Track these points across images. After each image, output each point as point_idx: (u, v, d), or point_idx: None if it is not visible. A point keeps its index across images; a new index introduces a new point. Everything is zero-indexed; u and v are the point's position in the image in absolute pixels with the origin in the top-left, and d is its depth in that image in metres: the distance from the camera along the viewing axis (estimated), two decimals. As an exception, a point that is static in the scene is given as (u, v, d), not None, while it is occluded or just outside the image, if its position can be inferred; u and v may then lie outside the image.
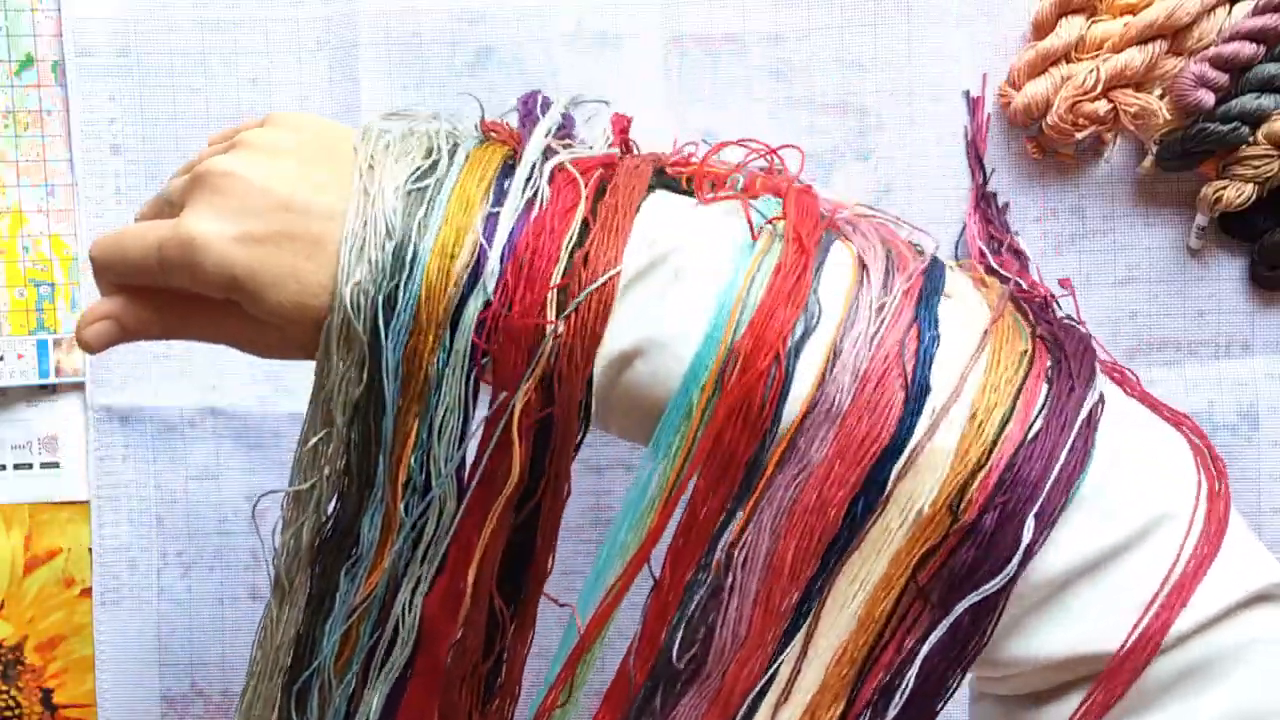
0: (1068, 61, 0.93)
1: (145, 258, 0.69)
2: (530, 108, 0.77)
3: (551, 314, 0.64)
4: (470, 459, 0.69)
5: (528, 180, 0.68)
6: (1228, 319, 0.96)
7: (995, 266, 0.93)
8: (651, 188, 0.70)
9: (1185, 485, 0.63)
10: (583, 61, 0.98)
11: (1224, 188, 0.92)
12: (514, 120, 0.76)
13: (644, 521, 0.67)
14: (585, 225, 0.66)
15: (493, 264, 0.65)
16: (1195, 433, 0.67)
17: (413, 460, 0.68)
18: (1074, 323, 0.71)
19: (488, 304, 0.65)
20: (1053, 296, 0.76)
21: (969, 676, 0.65)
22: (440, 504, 0.69)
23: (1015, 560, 0.60)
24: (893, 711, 0.64)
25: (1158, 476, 0.64)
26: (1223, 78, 0.90)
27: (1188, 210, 0.96)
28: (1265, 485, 0.96)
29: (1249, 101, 0.90)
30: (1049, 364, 0.65)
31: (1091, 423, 0.63)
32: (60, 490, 1.02)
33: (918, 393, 0.62)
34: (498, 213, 0.66)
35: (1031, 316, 0.69)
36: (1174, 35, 0.91)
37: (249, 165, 0.67)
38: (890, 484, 0.62)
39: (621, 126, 0.78)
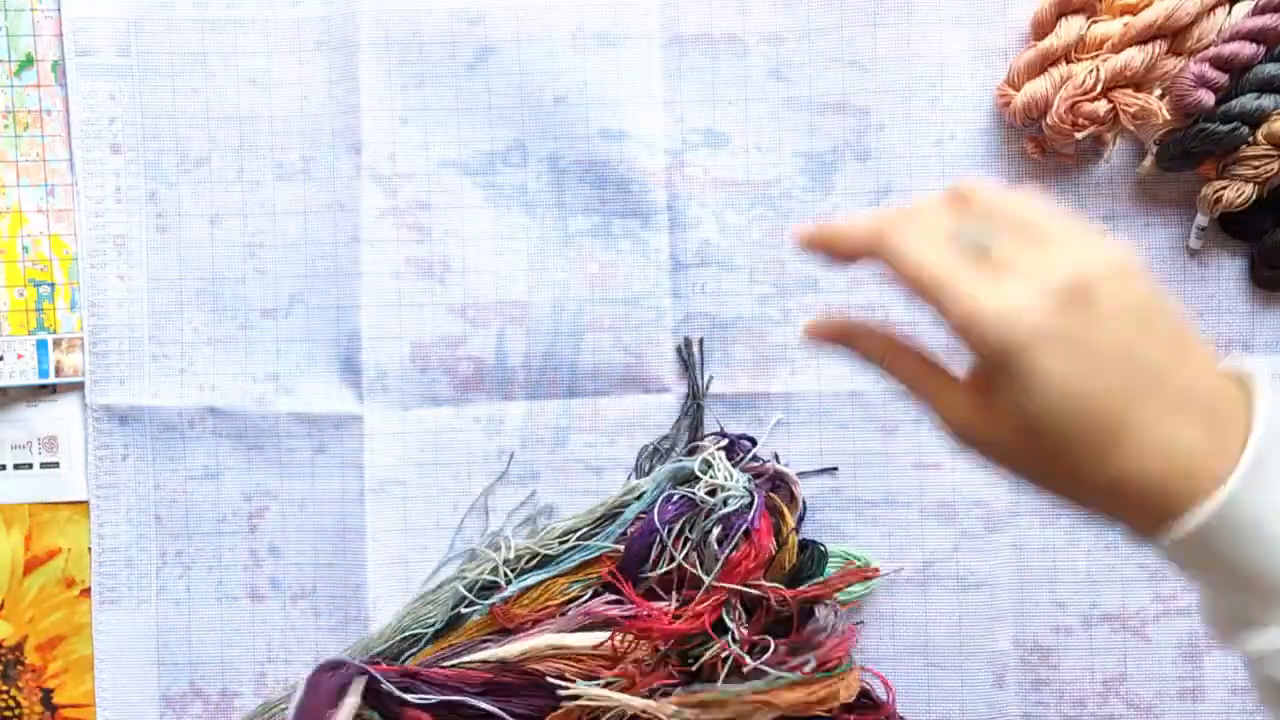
0: (1067, 61, 0.93)
1: (931, 286, 0.60)
2: None
3: None
4: None
5: None
6: (1228, 319, 0.96)
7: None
8: None
9: None
10: (583, 61, 0.98)
11: (1224, 188, 0.92)
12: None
13: None
14: None
15: None
16: None
17: None
18: None
19: None
20: None
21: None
22: None
23: None
24: None
25: None
26: (1223, 78, 0.90)
27: (1188, 210, 0.96)
28: (1265, 485, 0.96)
29: (1249, 101, 0.90)
30: None
31: None
32: (60, 490, 1.02)
33: None
34: None
35: None
36: (1174, 35, 0.91)
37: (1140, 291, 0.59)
38: None
39: None
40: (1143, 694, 0.98)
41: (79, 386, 1.01)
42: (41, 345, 1.00)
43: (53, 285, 1.00)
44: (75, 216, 1.00)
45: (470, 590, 0.98)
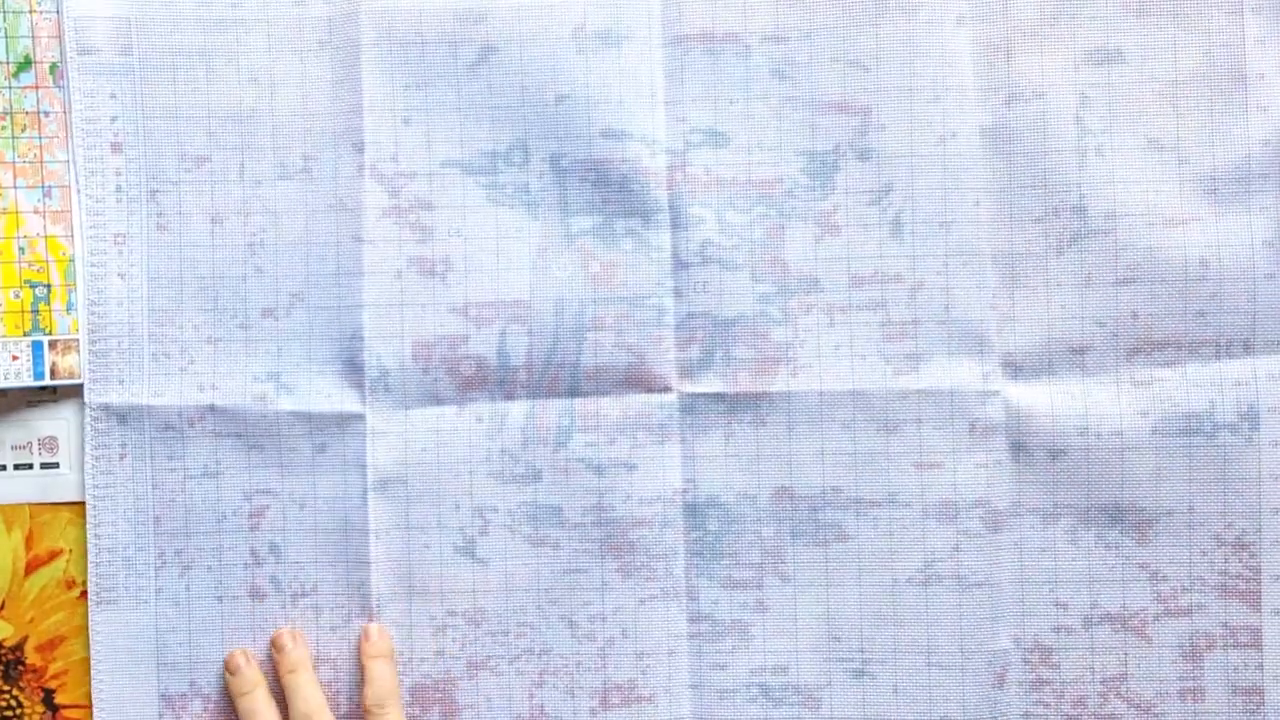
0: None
1: None
2: None
3: None
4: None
5: None
6: (1228, 319, 0.96)
7: None
8: None
9: None
10: (585, 61, 0.98)
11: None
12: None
13: None
14: None
15: None
16: None
17: None
18: None
19: None
20: None
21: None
22: None
23: None
24: None
25: None
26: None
27: (1188, 210, 0.96)
28: (1266, 485, 0.96)
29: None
30: None
31: None
32: (61, 491, 1.02)
33: None
34: None
35: None
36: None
37: None
38: None
39: None
40: (1143, 694, 0.98)
41: (79, 387, 1.01)
42: (37, 346, 1.00)
43: (49, 287, 1.00)
44: (72, 218, 1.00)
45: None
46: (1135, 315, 0.96)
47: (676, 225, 0.98)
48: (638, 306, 0.99)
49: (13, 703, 1.02)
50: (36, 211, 1.00)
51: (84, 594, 1.02)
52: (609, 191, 0.99)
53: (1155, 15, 0.96)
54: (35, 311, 1.00)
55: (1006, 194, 0.97)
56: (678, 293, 0.99)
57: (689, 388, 0.99)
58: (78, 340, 1.00)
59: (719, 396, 0.99)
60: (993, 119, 0.97)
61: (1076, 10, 0.96)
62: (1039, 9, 0.96)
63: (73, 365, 1.00)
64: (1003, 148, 0.97)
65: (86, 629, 1.02)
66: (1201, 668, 0.98)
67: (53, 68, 1.00)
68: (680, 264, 0.98)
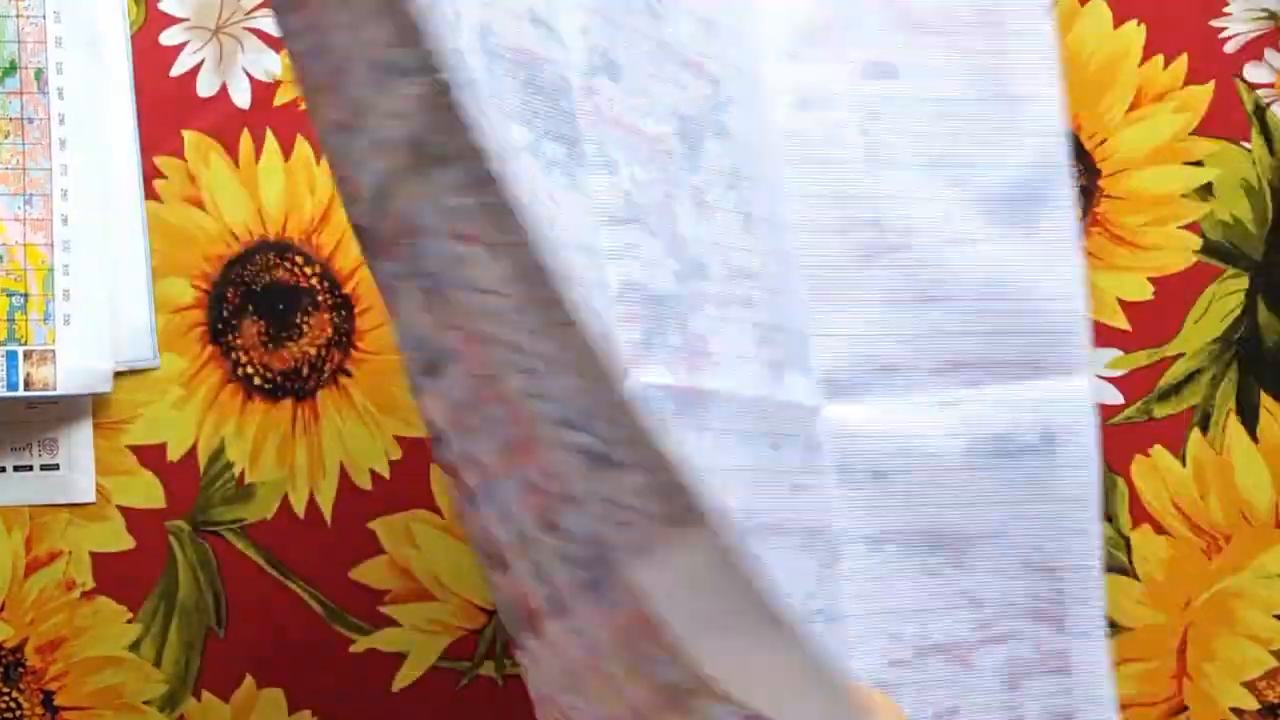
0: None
1: None
2: None
3: None
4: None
5: None
6: (1018, 340, 0.90)
7: None
8: None
9: None
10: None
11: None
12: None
13: None
14: None
15: None
16: None
17: None
18: None
19: None
20: None
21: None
22: None
23: None
24: None
25: None
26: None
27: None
28: (1065, 507, 0.91)
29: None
30: None
31: None
32: (60, 492, 1.06)
33: None
34: None
35: None
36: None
37: None
38: None
39: None
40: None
41: (81, 386, 1.04)
42: (11, 356, 1.02)
43: (25, 296, 1.02)
44: (52, 226, 1.02)
45: None
46: (938, 333, 0.90)
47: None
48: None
49: (12, 704, 1.07)
50: (16, 219, 1.01)
51: (84, 595, 1.06)
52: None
53: (923, 33, 0.89)
54: (11, 320, 1.01)
55: (810, 201, 0.91)
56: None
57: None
58: (54, 351, 1.02)
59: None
60: (791, 123, 0.90)
61: (850, 22, 0.90)
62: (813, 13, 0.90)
63: (47, 377, 1.02)
64: (798, 154, 0.90)
65: (86, 630, 1.07)
66: (1021, 695, 0.92)
67: (38, 73, 1.00)
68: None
